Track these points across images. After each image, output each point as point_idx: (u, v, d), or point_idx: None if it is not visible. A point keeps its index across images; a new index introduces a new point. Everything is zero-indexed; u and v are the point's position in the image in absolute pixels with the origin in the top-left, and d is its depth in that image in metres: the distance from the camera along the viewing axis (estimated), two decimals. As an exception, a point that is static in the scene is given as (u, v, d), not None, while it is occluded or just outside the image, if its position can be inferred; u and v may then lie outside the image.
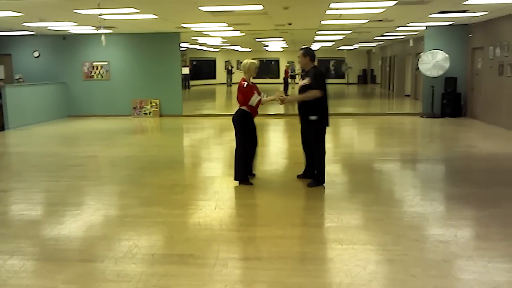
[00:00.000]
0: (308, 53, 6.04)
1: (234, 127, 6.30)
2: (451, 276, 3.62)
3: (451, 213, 5.21)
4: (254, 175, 6.70)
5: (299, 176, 6.61)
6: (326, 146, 6.18)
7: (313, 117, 5.96)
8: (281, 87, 24.39)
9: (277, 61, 35.76)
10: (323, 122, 6.01)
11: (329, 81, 6.26)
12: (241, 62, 38.75)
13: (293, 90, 24.17)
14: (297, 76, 25.76)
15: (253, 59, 6.74)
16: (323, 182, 6.20)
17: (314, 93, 5.87)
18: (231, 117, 6.33)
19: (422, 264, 3.78)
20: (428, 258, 3.90)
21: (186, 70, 27.84)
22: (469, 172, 7.27)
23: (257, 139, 6.49)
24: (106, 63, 15.22)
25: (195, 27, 13.73)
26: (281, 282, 3.50)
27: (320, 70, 6.13)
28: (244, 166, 6.33)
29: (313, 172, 6.32)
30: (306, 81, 6.00)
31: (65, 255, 4.10)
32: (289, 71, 26.40)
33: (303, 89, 6.03)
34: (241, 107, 6.20)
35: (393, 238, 4.35)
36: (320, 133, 6.07)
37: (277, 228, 4.73)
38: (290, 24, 13.24)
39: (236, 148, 6.32)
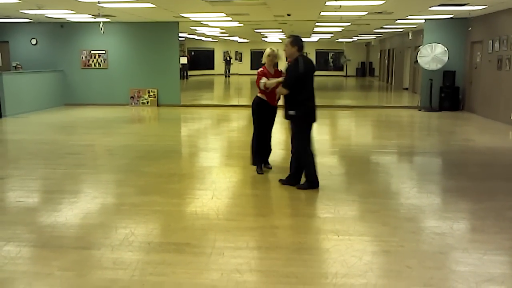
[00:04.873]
0: (297, 42, 5.38)
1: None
2: (447, 268, 3.64)
3: (447, 205, 5.23)
4: (269, 167, 6.58)
5: (281, 181, 5.86)
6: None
7: (291, 112, 5.41)
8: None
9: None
10: (305, 118, 5.44)
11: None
12: (240, 53, 38.08)
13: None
14: None
15: (265, 48, 6.56)
16: (314, 185, 5.57)
17: (280, 91, 5.50)
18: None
19: (418, 256, 3.79)
20: (424, 250, 3.92)
21: (184, 60, 27.72)
22: (465, 166, 7.29)
23: (271, 131, 6.42)
24: (104, 51, 15.14)
25: (194, 16, 13.65)
26: (277, 271, 3.51)
27: (294, 64, 5.34)
28: (255, 152, 6.40)
29: (297, 177, 5.70)
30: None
31: (62, 242, 4.10)
32: None
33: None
34: (257, 94, 6.24)
35: (390, 230, 4.37)
36: (302, 130, 5.48)
37: (274, 218, 4.75)
38: (289, 15, 13.17)
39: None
